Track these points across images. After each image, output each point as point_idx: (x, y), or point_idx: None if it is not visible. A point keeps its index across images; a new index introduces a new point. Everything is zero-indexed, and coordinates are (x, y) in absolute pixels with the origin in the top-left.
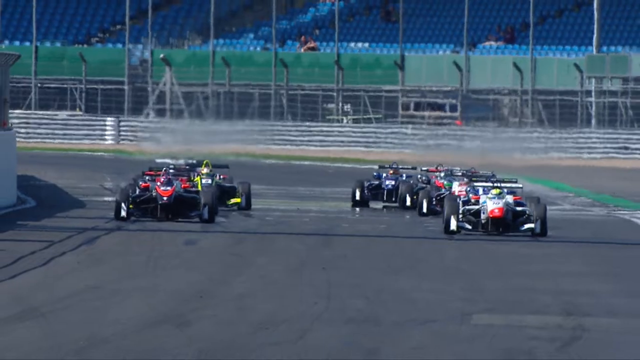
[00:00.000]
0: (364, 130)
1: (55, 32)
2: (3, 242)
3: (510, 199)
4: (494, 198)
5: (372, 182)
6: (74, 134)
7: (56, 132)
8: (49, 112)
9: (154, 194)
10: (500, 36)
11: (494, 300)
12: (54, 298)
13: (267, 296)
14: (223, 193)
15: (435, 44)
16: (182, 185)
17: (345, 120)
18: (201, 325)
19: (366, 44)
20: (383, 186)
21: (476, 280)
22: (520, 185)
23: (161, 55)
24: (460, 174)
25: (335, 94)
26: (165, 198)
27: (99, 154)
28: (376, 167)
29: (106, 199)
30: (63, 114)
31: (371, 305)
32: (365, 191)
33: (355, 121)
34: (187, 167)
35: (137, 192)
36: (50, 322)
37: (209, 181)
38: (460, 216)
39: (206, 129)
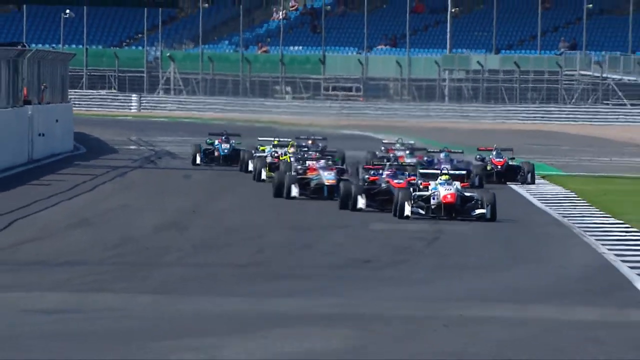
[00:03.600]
0: (299, 104)
1: (98, 38)
2: (64, 175)
3: (459, 185)
4: (444, 184)
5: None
6: (110, 105)
7: (98, 103)
8: (93, 91)
9: (384, 185)
10: (388, 42)
11: (387, 215)
12: (98, 212)
13: (239, 212)
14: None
15: (346, 47)
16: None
17: (287, 98)
18: (194, 229)
19: (301, 47)
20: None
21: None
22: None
23: (168, 54)
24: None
25: (280, 80)
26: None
27: (127, 118)
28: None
29: (131, 147)
30: (103, 92)
31: (307, 218)
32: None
33: (294, 98)
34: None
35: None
36: (96, 229)
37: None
38: (412, 202)
39: (196, 101)
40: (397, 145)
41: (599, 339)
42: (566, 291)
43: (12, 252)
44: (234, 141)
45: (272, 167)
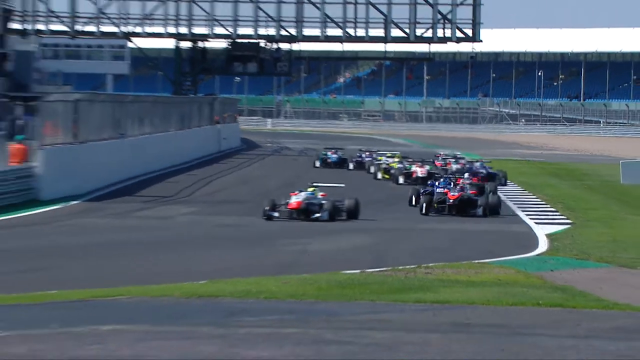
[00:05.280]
0: (352, 123)
1: (253, 91)
2: (235, 159)
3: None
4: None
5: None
6: (257, 124)
7: (252, 124)
8: (250, 117)
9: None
10: (394, 93)
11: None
12: (251, 177)
13: (273, 177)
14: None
15: (374, 95)
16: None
17: (344, 120)
18: (253, 184)
19: (352, 95)
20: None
21: (350, 176)
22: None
23: (286, 99)
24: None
25: (342, 111)
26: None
27: (265, 130)
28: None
29: (268, 145)
30: (254, 118)
31: (310, 179)
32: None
33: (349, 120)
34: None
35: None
36: (250, 185)
37: (400, 165)
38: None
39: (301, 122)
40: (444, 156)
41: (493, 240)
42: (475, 216)
43: (211, 196)
44: (340, 152)
45: (386, 171)
